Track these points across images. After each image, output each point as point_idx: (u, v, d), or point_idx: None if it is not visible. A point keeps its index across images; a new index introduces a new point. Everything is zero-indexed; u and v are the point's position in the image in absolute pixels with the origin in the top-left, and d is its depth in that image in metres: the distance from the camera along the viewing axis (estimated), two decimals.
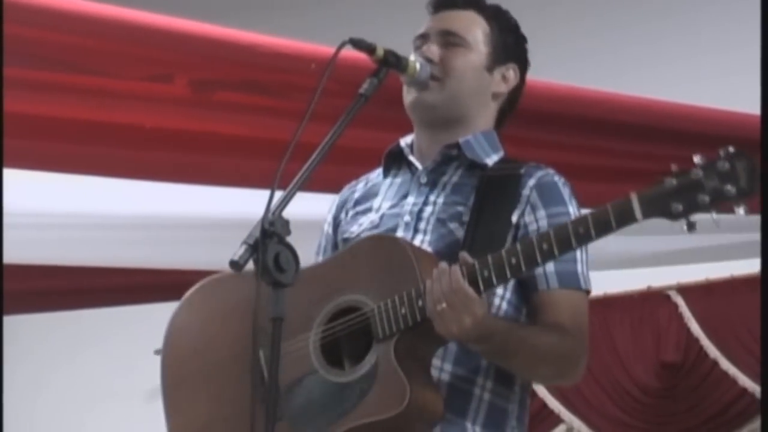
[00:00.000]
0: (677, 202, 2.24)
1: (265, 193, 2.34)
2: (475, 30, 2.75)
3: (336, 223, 2.84)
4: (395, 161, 2.80)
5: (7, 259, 3.78)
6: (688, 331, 5.73)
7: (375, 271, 2.52)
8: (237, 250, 2.30)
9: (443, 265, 2.42)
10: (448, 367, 2.55)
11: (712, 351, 5.66)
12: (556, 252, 2.35)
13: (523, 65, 2.82)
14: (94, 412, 7.36)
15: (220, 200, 4.14)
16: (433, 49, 2.72)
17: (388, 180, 2.79)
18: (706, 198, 2.22)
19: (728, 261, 5.28)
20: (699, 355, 5.69)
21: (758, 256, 3.90)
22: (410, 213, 2.67)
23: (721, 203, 2.22)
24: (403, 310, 2.44)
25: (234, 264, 2.30)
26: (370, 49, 2.60)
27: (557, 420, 5.79)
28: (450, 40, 2.73)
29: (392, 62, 2.63)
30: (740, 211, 2.22)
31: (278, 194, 2.38)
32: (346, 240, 2.77)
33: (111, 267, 4.80)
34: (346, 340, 2.53)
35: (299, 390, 2.54)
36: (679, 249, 5.00)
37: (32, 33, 3.14)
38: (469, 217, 2.61)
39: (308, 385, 2.53)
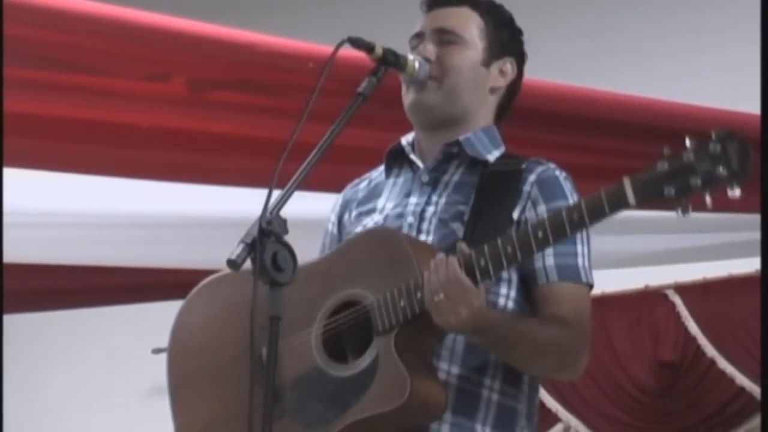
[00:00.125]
0: (669, 186, 2.23)
1: (262, 192, 2.34)
2: (470, 26, 2.75)
3: (340, 223, 2.84)
4: (397, 160, 2.80)
5: (6, 258, 3.78)
6: (685, 330, 5.73)
7: (374, 264, 2.52)
8: (234, 249, 2.30)
9: (440, 255, 2.41)
10: (455, 369, 2.55)
11: (710, 350, 5.66)
12: (550, 239, 2.35)
13: (519, 59, 2.81)
14: (92, 410, 7.36)
15: (218, 199, 4.14)
16: (430, 48, 2.72)
17: (391, 179, 2.79)
18: (698, 181, 2.21)
19: (726, 260, 5.28)
20: (696, 354, 5.68)
21: (756, 255, 3.91)
22: (413, 213, 2.67)
23: (714, 185, 2.21)
24: (402, 303, 2.44)
25: (231, 263, 2.30)
26: (368, 47, 2.60)
27: (555, 419, 5.78)
28: (445, 37, 2.73)
29: (391, 61, 2.63)
30: (734, 193, 2.21)
31: (276, 193, 2.38)
32: None
33: (109, 266, 4.80)
34: (349, 334, 2.53)
35: (302, 385, 2.54)
36: (676, 248, 5.01)
37: (30, 32, 3.14)
38: (469, 215, 2.61)
39: (310, 380, 2.53)
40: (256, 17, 5.39)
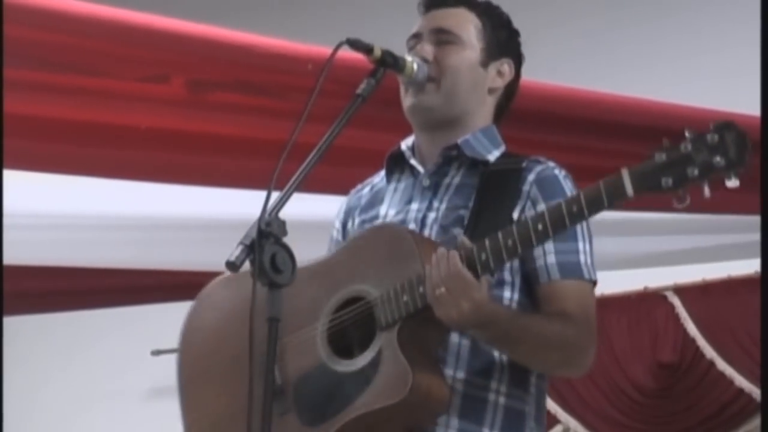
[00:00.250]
0: (667, 176, 2.23)
1: (261, 194, 2.34)
2: (468, 26, 2.75)
3: (344, 230, 2.85)
4: (397, 164, 2.80)
5: (5, 260, 3.78)
6: (684, 331, 5.73)
7: (378, 259, 2.52)
8: (233, 251, 2.30)
9: (441, 250, 2.41)
10: (460, 374, 2.55)
11: (709, 351, 5.66)
12: (550, 231, 2.35)
13: (517, 59, 2.81)
14: (91, 412, 7.36)
15: (217, 201, 4.14)
16: (427, 48, 2.72)
17: (392, 185, 2.79)
18: (695, 170, 2.21)
19: (725, 261, 5.28)
20: (695, 356, 5.69)
21: (755, 256, 3.91)
22: (415, 220, 2.67)
23: (712, 175, 2.21)
24: (404, 298, 2.44)
25: (230, 265, 2.30)
26: (367, 49, 2.60)
27: (554, 420, 5.79)
28: (443, 38, 2.73)
29: (389, 62, 2.62)
30: (733, 182, 2.21)
31: (275, 195, 2.38)
32: None
33: (108, 268, 4.80)
34: (355, 330, 2.53)
35: (307, 381, 2.54)
36: (675, 249, 5.01)
37: (28, 33, 3.14)
38: (469, 217, 2.61)
39: (315, 376, 2.53)
40: (255, 18, 5.39)
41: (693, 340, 5.70)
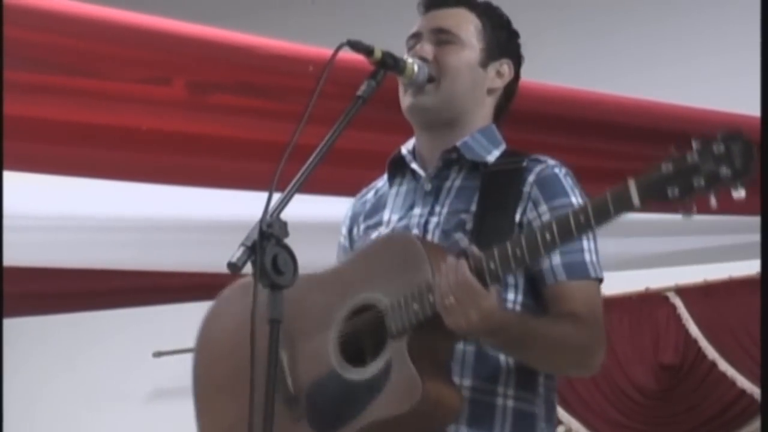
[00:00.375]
0: (673, 187, 2.22)
1: (263, 196, 2.34)
2: (468, 27, 2.75)
3: (350, 236, 2.85)
4: (398, 168, 2.79)
5: (6, 261, 3.78)
6: (686, 332, 5.74)
7: (389, 268, 2.52)
8: (235, 252, 2.30)
9: (450, 259, 2.41)
10: (467, 382, 2.54)
11: (711, 352, 5.67)
12: (558, 241, 2.35)
13: (516, 60, 2.81)
14: (93, 414, 7.36)
15: (218, 202, 4.14)
16: (427, 48, 2.71)
17: (394, 189, 2.79)
18: (701, 181, 2.20)
19: (726, 262, 5.28)
20: (697, 357, 5.69)
21: (756, 257, 3.91)
22: (418, 225, 2.67)
23: (718, 186, 2.20)
24: (414, 306, 2.44)
25: (232, 266, 2.30)
26: (367, 50, 2.60)
27: (557, 420, 5.79)
28: (443, 38, 2.73)
29: (390, 64, 2.62)
30: (739, 193, 2.21)
31: (276, 196, 2.38)
32: None
33: (109, 269, 4.80)
34: (366, 338, 2.53)
35: (319, 389, 2.55)
36: (677, 250, 5.01)
37: (29, 35, 3.13)
38: (472, 222, 2.61)
39: (327, 383, 2.54)
40: (255, 20, 5.39)
41: (695, 341, 5.70)
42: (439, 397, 2.44)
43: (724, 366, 5.62)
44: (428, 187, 2.71)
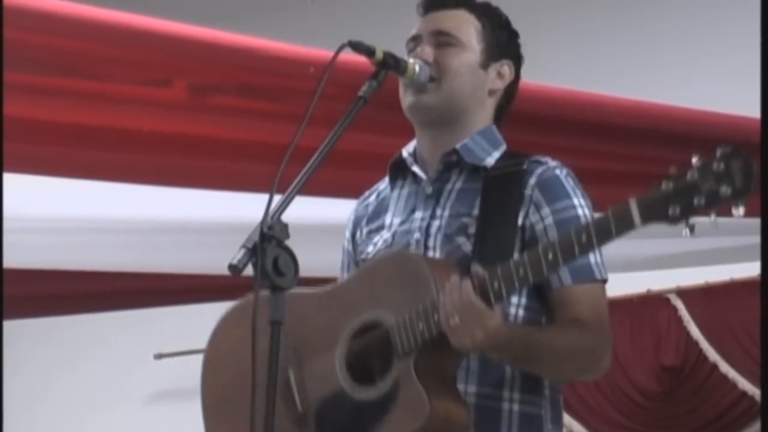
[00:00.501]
0: (675, 206, 2.22)
1: (263, 197, 2.34)
2: (468, 28, 2.74)
3: (354, 241, 2.84)
4: (400, 171, 2.79)
5: (6, 263, 3.78)
6: (687, 334, 5.73)
7: (394, 286, 2.52)
8: (236, 254, 2.30)
9: (455, 278, 2.41)
10: (472, 388, 2.55)
11: (712, 354, 5.67)
12: (560, 261, 2.35)
13: (517, 61, 2.80)
14: (94, 416, 7.36)
15: (219, 204, 4.14)
16: (427, 51, 2.70)
17: (396, 192, 2.78)
18: (702, 200, 2.19)
19: (727, 264, 5.28)
20: (698, 359, 5.69)
21: (757, 259, 3.90)
22: (419, 229, 2.67)
23: (719, 204, 2.20)
24: (420, 325, 2.44)
25: (233, 268, 2.30)
26: (369, 51, 2.59)
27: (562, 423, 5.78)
28: (443, 40, 2.71)
29: (391, 65, 2.61)
30: (739, 211, 2.20)
31: (277, 198, 2.38)
32: (363, 261, 2.77)
33: (110, 271, 4.80)
34: (373, 356, 2.54)
35: (327, 408, 2.56)
36: (678, 252, 5.00)
37: (30, 37, 3.14)
38: (475, 228, 2.60)
39: (335, 403, 2.54)
40: (256, 22, 5.39)
41: (696, 343, 5.70)
42: (447, 414, 2.44)
43: (725, 368, 5.62)
44: (429, 190, 2.71)
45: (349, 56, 2.59)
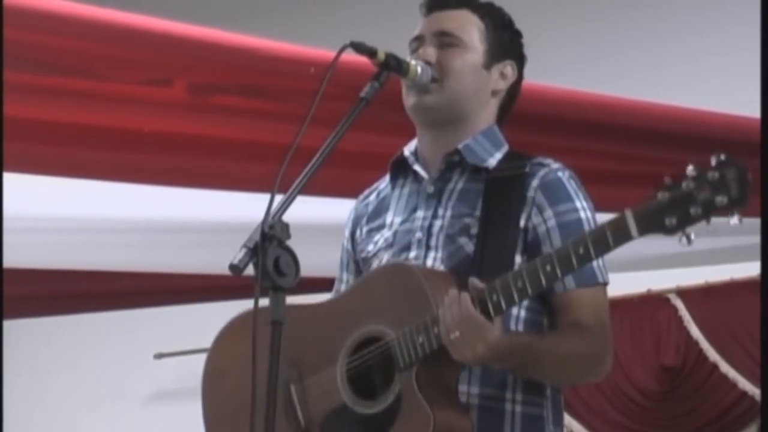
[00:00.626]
0: (671, 216, 2.21)
1: (265, 197, 2.34)
2: (470, 29, 2.74)
3: (353, 239, 2.84)
4: (401, 170, 2.79)
5: (6, 263, 3.78)
6: (687, 334, 5.73)
7: (392, 300, 2.53)
8: (237, 254, 2.30)
9: (453, 292, 2.42)
10: (474, 390, 2.55)
11: (712, 354, 5.66)
12: (559, 273, 2.35)
13: (519, 61, 2.80)
14: (94, 415, 7.36)
15: (220, 204, 4.14)
16: (430, 51, 2.70)
17: (397, 191, 2.78)
18: (698, 210, 2.19)
19: (727, 264, 5.28)
20: (699, 359, 5.69)
21: (757, 259, 3.90)
22: (421, 228, 2.67)
23: (714, 214, 2.20)
24: (420, 339, 2.45)
25: (234, 268, 2.30)
26: (371, 52, 2.59)
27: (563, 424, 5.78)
28: (445, 40, 2.71)
29: (393, 66, 2.61)
30: (734, 220, 2.20)
31: (278, 198, 2.38)
32: (364, 259, 2.77)
33: (110, 271, 4.80)
34: (375, 370, 2.54)
35: (330, 423, 2.56)
36: (678, 252, 4.99)
37: (30, 37, 3.14)
38: (478, 229, 2.60)
39: (338, 418, 2.55)
40: (257, 21, 5.39)
41: (696, 343, 5.70)
42: (450, 424, 2.45)
43: (725, 368, 5.62)
44: (431, 189, 2.71)
45: (350, 56, 2.59)
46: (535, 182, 2.63)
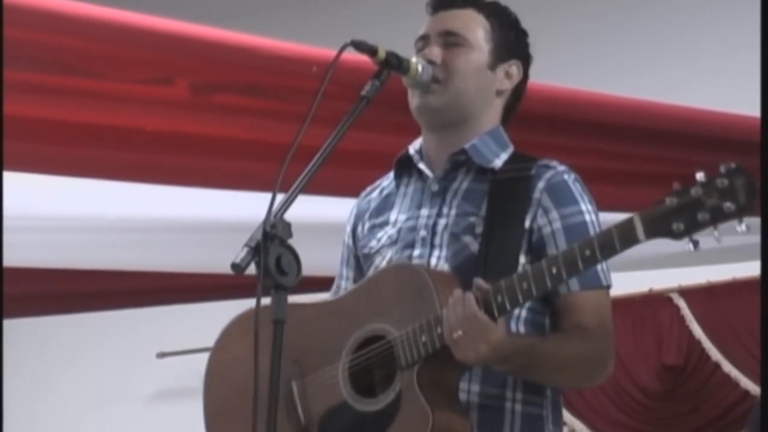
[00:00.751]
0: (678, 222, 2.22)
1: (266, 196, 2.34)
2: (476, 28, 2.73)
3: (354, 235, 2.84)
4: (405, 168, 2.79)
5: (7, 262, 3.78)
6: (689, 333, 5.73)
7: (397, 299, 2.53)
8: (239, 253, 2.30)
9: (458, 292, 2.42)
10: (475, 388, 2.55)
11: (714, 353, 5.67)
12: (564, 276, 2.36)
13: (525, 61, 2.80)
14: (95, 415, 7.37)
15: (222, 203, 4.14)
16: (435, 51, 2.70)
17: (401, 189, 2.78)
18: (706, 216, 2.20)
19: (729, 263, 5.28)
20: (701, 358, 5.69)
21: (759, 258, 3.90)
22: (425, 227, 2.67)
23: (723, 220, 2.21)
24: (423, 338, 2.45)
25: (235, 267, 2.30)
26: (371, 51, 2.59)
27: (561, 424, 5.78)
28: (451, 40, 2.71)
29: (394, 64, 2.61)
30: (742, 228, 2.21)
31: (280, 197, 2.38)
32: (366, 255, 2.78)
33: (112, 270, 4.81)
34: (376, 369, 2.55)
35: (330, 420, 2.57)
36: (680, 251, 4.98)
37: (32, 36, 3.14)
38: (483, 228, 2.60)
39: (338, 415, 2.55)
40: (258, 21, 5.39)
41: (698, 342, 5.70)
42: (450, 425, 2.45)
43: (727, 367, 5.62)
44: (435, 188, 2.71)
45: (351, 55, 2.59)
46: (541, 184, 2.63)
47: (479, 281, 2.43)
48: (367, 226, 2.80)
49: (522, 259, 2.57)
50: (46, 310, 5.67)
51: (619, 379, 5.71)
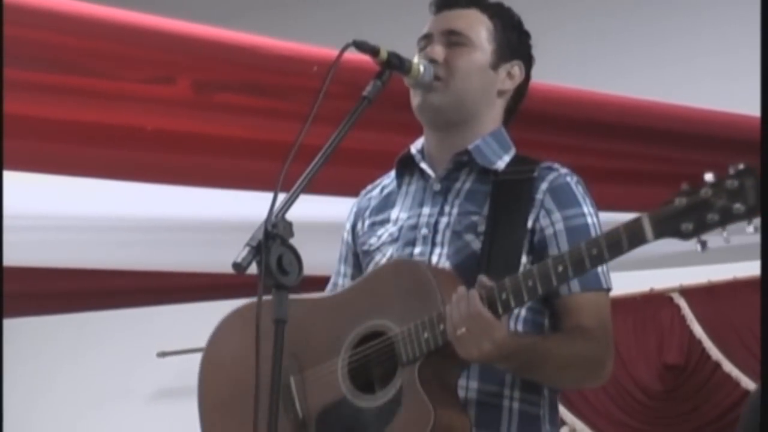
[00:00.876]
0: (687, 222, 2.22)
1: (268, 196, 2.34)
2: (479, 28, 2.73)
3: (354, 232, 2.84)
4: (407, 167, 2.79)
5: (7, 261, 3.78)
6: (690, 333, 5.74)
7: (399, 295, 2.53)
8: (240, 252, 2.30)
9: (462, 289, 2.42)
10: (473, 384, 2.55)
11: (715, 353, 5.67)
12: (570, 274, 2.36)
13: (527, 61, 2.79)
14: (96, 414, 7.37)
15: (223, 203, 4.14)
16: (437, 50, 2.70)
17: (403, 188, 2.78)
18: (715, 217, 2.20)
19: (730, 263, 5.28)
20: (701, 357, 5.69)
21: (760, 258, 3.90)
22: (427, 225, 2.67)
23: (731, 221, 2.20)
24: (425, 335, 2.45)
25: (237, 266, 2.30)
26: (373, 51, 2.59)
27: (560, 422, 5.78)
28: (453, 39, 2.71)
29: (395, 64, 2.61)
30: (750, 229, 2.20)
31: (282, 196, 2.38)
32: (365, 252, 2.77)
33: (113, 269, 4.81)
34: (376, 365, 2.54)
35: (329, 416, 2.56)
36: (681, 251, 4.99)
37: (33, 35, 3.14)
38: (485, 227, 2.60)
39: (337, 410, 2.55)
40: (260, 20, 5.40)
41: (699, 342, 5.71)
42: (451, 422, 2.45)
43: (728, 366, 5.62)
44: (437, 187, 2.71)
45: (353, 55, 2.59)
46: (543, 185, 2.63)
47: (483, 278, 2.43)
48: (367, 223, 2.80)
49: (523, 259, 2.58)
50: (47, 309, 5.67)
51: (619, 379, 5.72)
